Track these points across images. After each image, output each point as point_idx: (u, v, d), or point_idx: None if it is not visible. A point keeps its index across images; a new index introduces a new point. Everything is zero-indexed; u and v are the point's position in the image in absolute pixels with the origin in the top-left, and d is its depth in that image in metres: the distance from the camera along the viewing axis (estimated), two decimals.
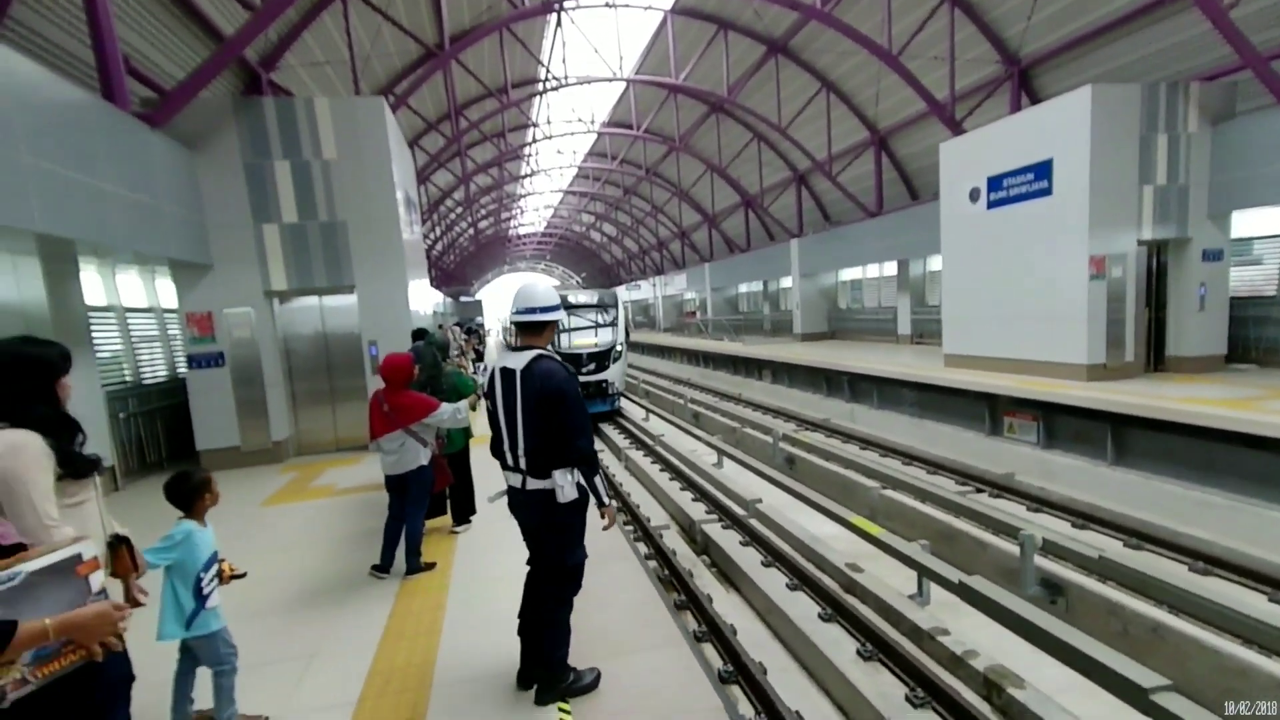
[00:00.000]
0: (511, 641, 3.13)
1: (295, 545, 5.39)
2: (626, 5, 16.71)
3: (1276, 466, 6.78)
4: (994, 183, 11.09)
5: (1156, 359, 10.53)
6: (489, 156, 24.78)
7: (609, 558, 4.73)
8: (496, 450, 3.07)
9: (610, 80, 18.51)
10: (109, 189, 6.01)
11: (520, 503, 3.01)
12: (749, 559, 6.39)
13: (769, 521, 6.96)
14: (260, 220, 8.28)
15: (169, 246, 7.22)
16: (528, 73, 19.33)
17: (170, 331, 9.94)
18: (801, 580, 5.81)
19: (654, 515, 8.32)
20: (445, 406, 4.55)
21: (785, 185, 23.44)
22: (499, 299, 58.59)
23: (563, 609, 3.05)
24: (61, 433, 2.23)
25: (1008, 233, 10.91)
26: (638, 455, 11.36)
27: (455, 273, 42.98)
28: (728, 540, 6.92)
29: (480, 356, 12.54)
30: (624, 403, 15.61)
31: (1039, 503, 7.71)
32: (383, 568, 4.59)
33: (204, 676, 2.89)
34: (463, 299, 38.93)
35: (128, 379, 8.70)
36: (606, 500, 2.95)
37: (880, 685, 4.19)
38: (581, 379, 13.15)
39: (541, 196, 38.20)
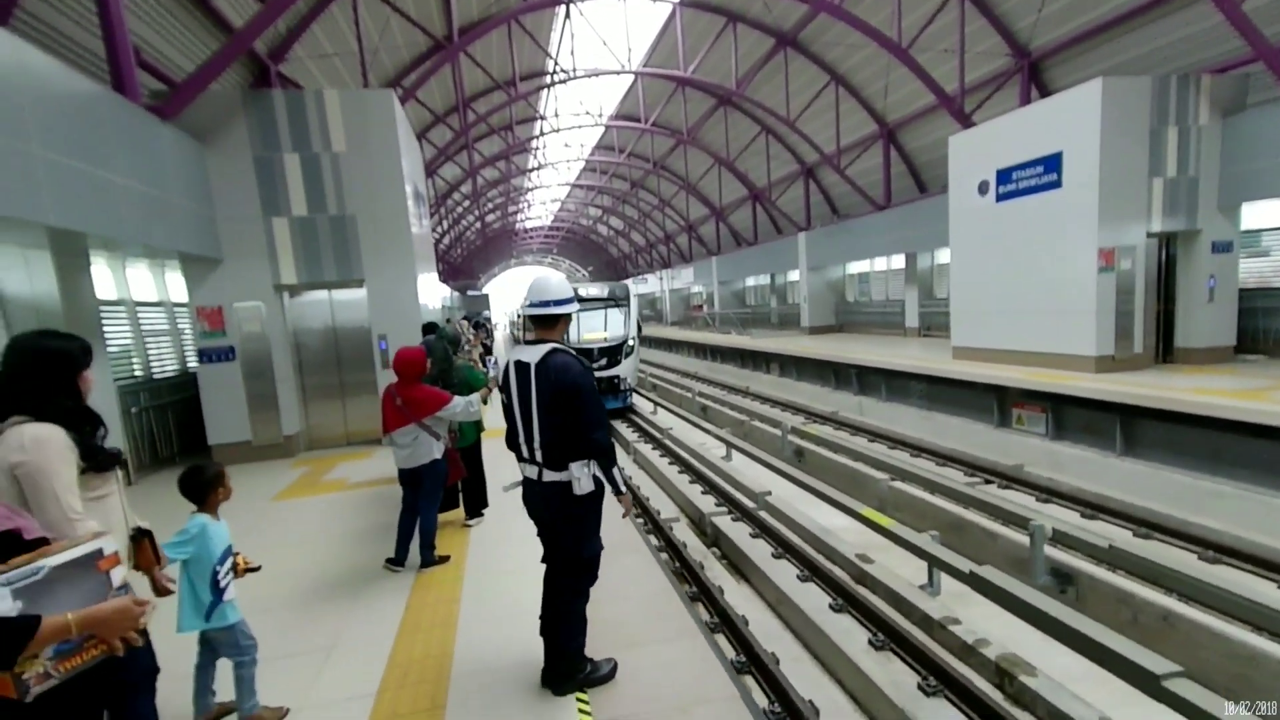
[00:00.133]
0: (529, 632, 3.15)
1: (309, 539, 5.43)
2: None
3: None
4: (1003, 175, 11.04)
5: (1165, 350, 10.51)
6: (496, 150, 24.78)
7: (621, 551, 4.75)
8: (512, 443, 3.08)
9: (618, 73, 18.47)
10: (120, 182, 6.02)
11: (536, 494, 3.01)
12: (759, 551, 6.41)
13: (779, 514, 6.98)
14: (270, 214, 8.30)
15: (179, 240, 7.25)
16: (536, 65, 19.30)
17: (180, 325, 10.01)
18: (812, 571, 5.83)
19: (664, 508, 8.34)
20: (458, 400, 4.57)
21: (793, 178, 23.36)
22: (506, 293, 58.68)
23: (579, 600, 3.06)
24: (84, 426, 2.24)
25: (1017, 225, 10.87)
26: (647, 448, 11.39)
27: (462, 267, 43.07)
28: (738, 532, 6.94)
29: (488, 350, 12.55)
30: (633, 397, 15.34)
31: (1048, 493, 7.70)
32: (397, 561, 4.62)
33: (224, 669, 2.93)
34: (470, 293, 38.99)
35: (139, 373, 8.77)
36: (624, 489, 2.96)
37: (893, 674, 4.21)
38: None
39: (549, 190, 38.20)
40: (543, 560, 3.15)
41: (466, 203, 31.68)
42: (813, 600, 5.29)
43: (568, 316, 3.09)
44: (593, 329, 14.42)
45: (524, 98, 19.90)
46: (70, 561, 1.52)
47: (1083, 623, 3.95)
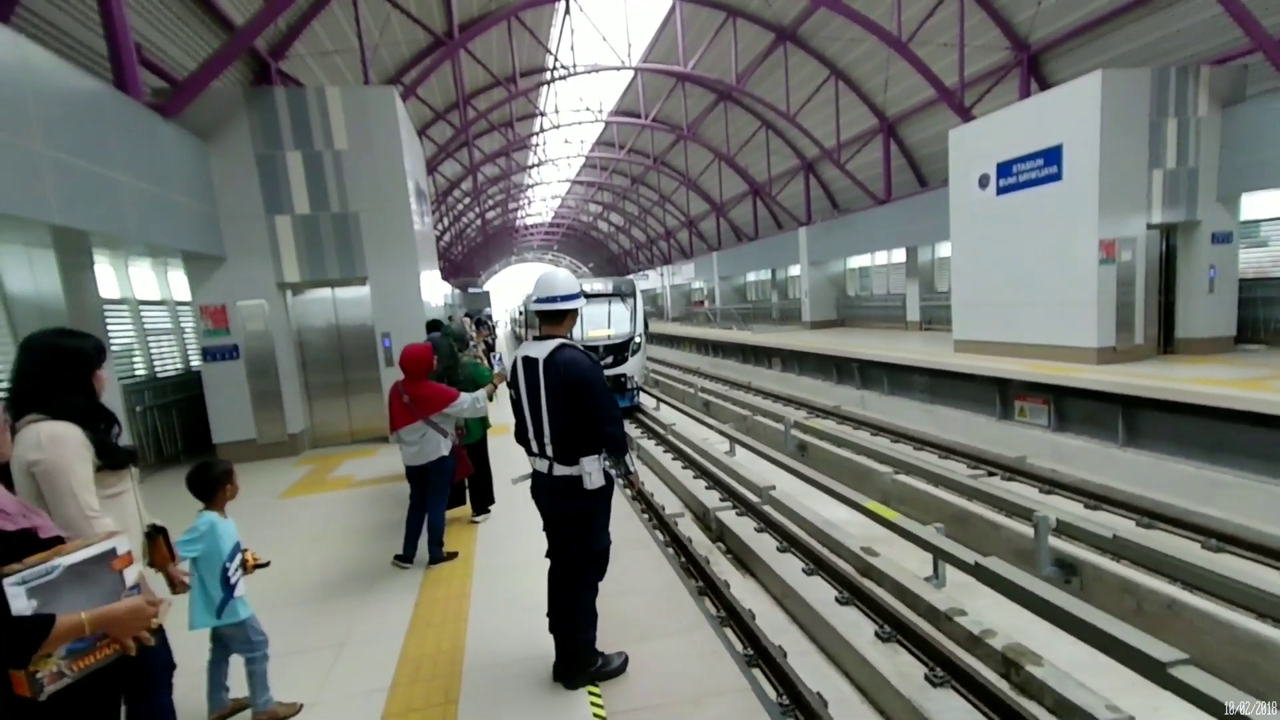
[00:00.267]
0: (539, 627, 3.17)
1: (316, 537, 5.45)
2: None
3: None
4: (1004, 169, 11.04)
5: (1166, 341, 10.53)
6: (497, 146, 24.74)
7: (628, 545, 4.77)
8: (521, 438, 3.10)
9: (618, 69, 18.41)
10: (124, 180, 6.03)
11: (546, 488, 3.02)
12: (764, 545, 6.44)
13: (783, 508, 7.01)
14: (272, 211, 8.31)
15: (182, 238, 7.26)
16: (536, 61, 19.26)
17: (183, 324, 10.02)
18: (818, 565, 5.86)
19: (668, 503, 8.37)
20: (465, 396, 4.58)
21: (793, 173, 23.33)
22: (506, 290, 58.63)
23: (588, 593, 3.08)
24: (98, 424, 2.26)
25: (1017, 218, 10.88)
26: (650, 444, 11.42)
27: (463, 264, 43.03)
28: (742, 527, 6.97)
29: (491, 347, 12.55)
30: (641, 396, 14.75)
31: (1051, 485, 7.73)
32: (406, 558, 4.65)
33: (237, 665, 2.95)
34: (470, 290, 38.95)
35: (143, 372, 8.78)
36: (633, 469, 3.01)
37: (900, 666, 4.24)
38: None
39: (549, 186, 38.12)
40: (546, 555, 3.17)
41: (467, 200, 31.65)
42: (819, 593, 5.32)
43: (575, 311, 3.10)
44: (598, 326, 13.80)
45: (524, 94, 19.86)
46: (84, 561, 1.52)
47: (1088, 612, 3.99)
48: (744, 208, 28.05)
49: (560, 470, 2.93)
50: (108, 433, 2.30)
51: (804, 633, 5.16)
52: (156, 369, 9.17)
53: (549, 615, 3.14)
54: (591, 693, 3.01)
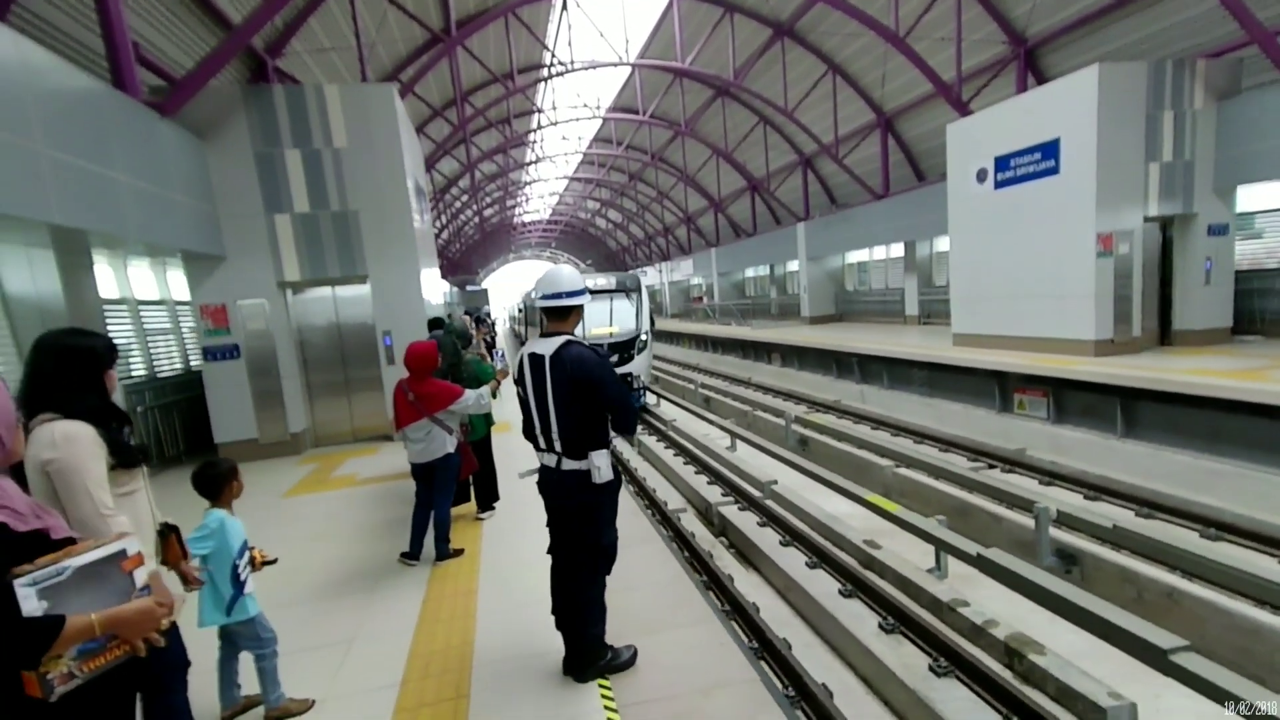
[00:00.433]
0: (548, 622, 3.19)
1: (322, 535, 5.47)
2: None
3: None
4: (1001, 163, 11.07)
5: (1163, 333, 10.59)
6: (494, 143, 24.73)
7: (634, 541, 4.79)
8: (529, 433, 3.12)
9: (616, 65, 18.40)
10: (123, 179, 6.03)
11: (554, 482, 3.03)
12: (767, 539, 6.47)
13: (785, 502, 7.03)
14: (272, 210, 8.30)
15: (182, 238, 7.25)
16: (533, 58, 19.22)
17: (183, 324, 10.01)
18: (820, 558, 5.89)
19: (670, 499, 8.40)
20: (470, 393, 4.60)
21: (791, 169, 23.34)
22: (505, 288, 58.55)
23: (596, 587, 3.10)
24: (110, 423, 2.27)
25: (1015, 212, 10.92)
26: (651, 440, 11.44)
27: (461, 261, 42.96)
28: (745, 521, 7.00)
29: (493, 344, 12.56)
30: (648, 396, 14.06)
31: (1051, 476, 7.77)
32: (412, 555, 4.67)
33: (247, 663, 2.98)
34: (469, 288, 38.92)
35: (143, 372, 8.79)
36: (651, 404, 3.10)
37: (903, 657, 4.27)
38: None
39: (546, 183, 38.08)
40: (549, 551, 3.18)
41: (465, 197, 31.60)
42: (822, 586, 5.35)
43: (580, 307, 3.10)
44: (601, 323, 13.26)
45: (521, 91, 19.83)
46: (95, 562, 1.52)
47: (1089, 601, 4.03)
48: (742, 203, 28.06)
49: (569, 465, 2.95)
50: (120, 431, 2.31)
51: (808, 625, 5.19)
52: (158, 369, 9.17)
53: (554, 612, 3.16)
54: (602, 685, 3.04)
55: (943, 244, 16.13)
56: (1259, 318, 10.69)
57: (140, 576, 1.63)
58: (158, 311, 9.54)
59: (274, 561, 3.17)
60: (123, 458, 2.26)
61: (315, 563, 4.83)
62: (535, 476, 3.17)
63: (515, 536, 5.05)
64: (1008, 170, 10.96)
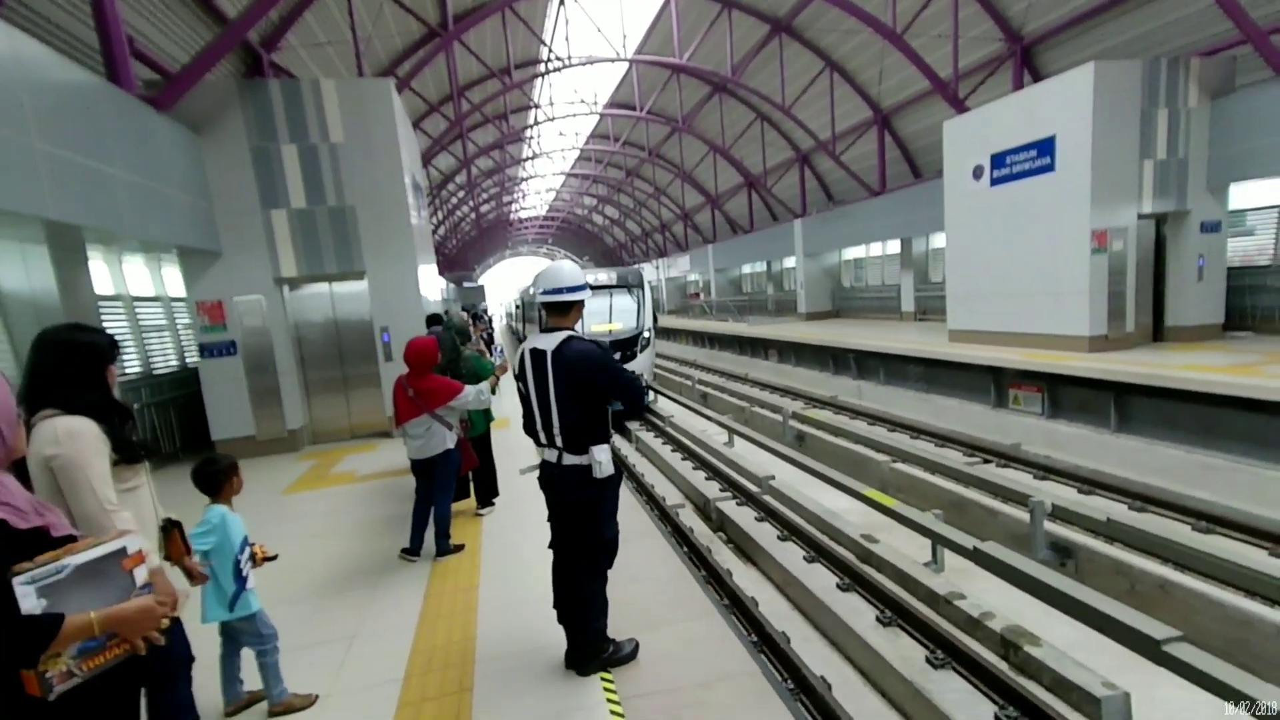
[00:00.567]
0: (550, 616, 3.20)
1: (322, 532, 5.47)
2: None
3: (1275, 428, 6.97)
4: (997, 160, 11.11)
5: (1156, 329, 10.67)
6: (491, 139, 24.65)
7: (635, 535, 4.81)
8: (530, 429, 3.13)
9: (613, 60, 18.36)
10: (119, 174, 5.99)
11: (555, 477, 3.04)
12: (765, 534, 6.51)
13: (783, 497, 7.06)
14: (268, 206, 8.25)
15: (178, 233, 7.21)
16: (530, 53, 19.18)
17: (178, 320, 9.97)
18: (818, 552, 5.93)
19: (669, 494, 8.43)
20: (470, 389, 4.61)
21: (788, 165, 23.35)
22: (501, 285, 58.44)
23: (598, 581, 3.12)
24: (113, 418, 2.27)
25: (1011, 209, 10.96)
26: (649, 436, 11.46)
27: (457, 258, 42.85)
28: (743, 516, 7.03)
29: (491, 340, 12.55)
30: (651, 396, 13.60)
31: (1046, 471, 7.84)
32: (413, 551, 4.67)
33: (249, 659, 2.99)
34: (465, 285, 38.83)
35: (139, 369, 8.75)
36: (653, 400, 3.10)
37: (901, 649, 4.32)
38: None
39: (543, 179, 37.96)
40: (550, 546, 3.20)
41: (461, 193, 31.52)
42: (820, 580, 5.39)
43: (581, 303, 3.10)
44: (601, 320, 12.80)
45: (518, 86, 19.80)
46: (95, 560, 1.51)
47: (1084, 593, 4.07)
48: (739, 200, 28.07)
49: (570, 460, 2.96)
50: (123, 427, 2.30)
51: (806, 619, 5.23)
52: (154, 366, 9.14)
53: (556, 606, 3.17)
54: (604, 678, 3.06)
55: (939, 240, 16.18)
56: (1250, 314, 10.77)
57: (141, 575, 1.63)
58: (153, 308, 9.50)
59: (274, 558, 3.17)
60: (126, 453, 2.26)
61: (316, 559, 4.83)
62: (534, 473, 3.19)
63: (515, 532, 5.06)
64: (1004, 167, 11.00)
